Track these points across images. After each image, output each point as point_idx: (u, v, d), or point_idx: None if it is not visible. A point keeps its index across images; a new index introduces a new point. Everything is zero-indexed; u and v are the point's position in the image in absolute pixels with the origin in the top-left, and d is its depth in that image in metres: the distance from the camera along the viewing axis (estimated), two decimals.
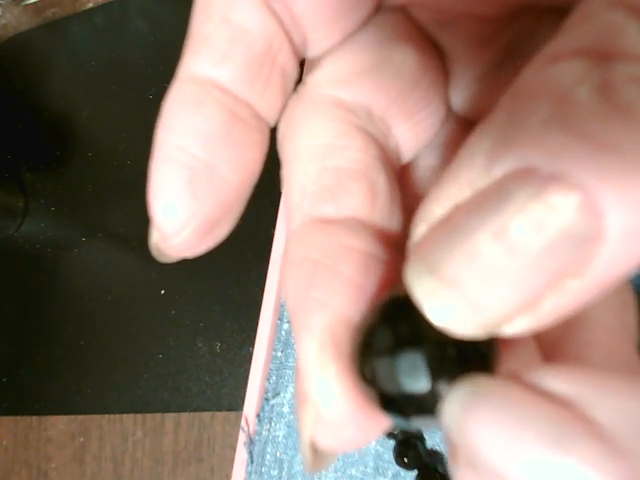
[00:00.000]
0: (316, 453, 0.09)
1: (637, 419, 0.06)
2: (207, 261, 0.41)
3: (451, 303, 0.07)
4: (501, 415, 0.06)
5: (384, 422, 0.09)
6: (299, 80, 0.11)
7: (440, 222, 0.07)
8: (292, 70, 0.11)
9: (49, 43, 0.50)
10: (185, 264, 0.46)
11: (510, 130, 0.07)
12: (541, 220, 0.06)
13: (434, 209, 0.08)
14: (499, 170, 0.07)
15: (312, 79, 0.11)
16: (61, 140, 0.48)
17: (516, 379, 0.07)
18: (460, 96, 0.12)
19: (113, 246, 0.45)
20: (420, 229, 0.08)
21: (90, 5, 0.49)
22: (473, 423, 0.07)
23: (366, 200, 0.10)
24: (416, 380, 0.08)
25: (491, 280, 0.07)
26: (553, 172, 0.06)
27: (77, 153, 0.47)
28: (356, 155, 0.10)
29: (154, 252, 0.10)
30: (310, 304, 0.09)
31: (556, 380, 0.07)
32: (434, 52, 0.11)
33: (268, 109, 0.10)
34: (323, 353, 0.09)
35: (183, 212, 0.09)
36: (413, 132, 0.11)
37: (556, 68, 0.07)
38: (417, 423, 0.08)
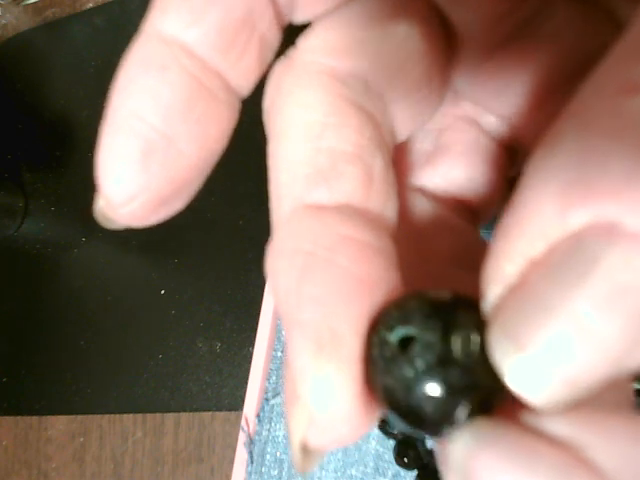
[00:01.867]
0: (307, 453, 0.08)
1: (635, 462, 0.06)
2: (207, 261, 0.42)
3: (542, 382, 0.07)
4: (506, 460, 0.06)
5: (376, 418, 0.08)
6: (281, 49, 0.10)
7: (518, 286, 0.07)
8: (273, 39, 0.10)
9: (49, 43, 0.50)
10: (185, 264, 0.46)
11: (584, 173, 0.06)
12: (631, 284, 0.06)
13: (506, 268, 0.07)
14: (575, 220, 0.06)
15: (305, 44, 0.10)
16: (61, 140, 0.48)
17: (519, 423, 0.07)
18: (465, 76, 0.11)
19: (113, 246, 0.45)
20: (495, 291, 0.07)
21: (90, 5, 0.49)
22: (478, 468, 0.07)
23: (362, 186, 0.09)
24: (456, 412, 0.07)
25: (581, 354, 0.06)
26: (638, 230, 0.06)
27: (77, 153, 0.47)
28: (351, 136, 0.09)
29: (98, 217, 0.09)
30: (304, 300, 0.08)
31: (557, 424, 0.06)
32: (440, 27, 0.10)
33: (241, 81, 0.09)
34: (319, 354, 0.08)
35: (132, 185, 0.09)
36: (410, 111, 0.10)
37: (634, 103, 0.06)
38: (426, 435, 0.08)
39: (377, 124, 0.10)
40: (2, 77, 0.51)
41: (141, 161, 0.09)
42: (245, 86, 0.10)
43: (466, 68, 0.11)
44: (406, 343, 0.08)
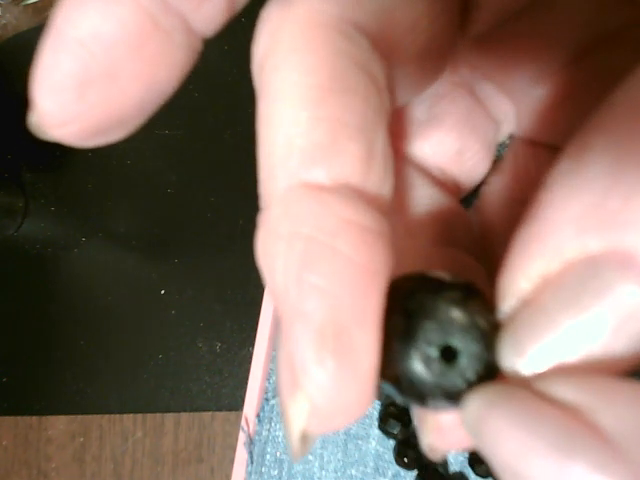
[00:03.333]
0: (304, 440, 0.08)
1: (638, 425, 0.06)
2: (207, 261, 0.42)
3: (534, 369, 0.07)
4: (514, 423, 0.07)
5: (371, 402, 0.09)
6: None
7: (530, 301, 0.08)
8: None
9: None
10: (185, 264, 0.46)
11: (608, 200, 0.07)
12: (636, 314, 0.07)
13: (521, 283, 0.08)
14: (593, 245, 0.07)
15: None
16: None
17: (528, 387, 0.07)
18: (476, 44, 0.11)
19: (113, 246, 0.45)
20: (510, 303, 0.08)
21: None
22: (488, 430, 0.07)
23: (362, 165, 0.08)
24: (462, 390, 0.08)
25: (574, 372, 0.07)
26: None
27: (77, 153, 0.47)
28: (355, 104, 0.08)
29: (32, 128, 0.09)
30: (306, 289, 0.08)
31: (564, 388, 0.07)
32: None
33: (204, 24, 0.08)
34: (322, 347, 0.07)
35: (66, 112, 0.08)
36: (414, 77, 0.10)
37: None
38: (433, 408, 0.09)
39: (381, 89, 0.09)
40: (2, 77, 0.51)
41: (78, 88, 0.08)
42: (209, 28, 0.09)
43: (478, 35, 0.11)
44: (447, 353, 0.08)
